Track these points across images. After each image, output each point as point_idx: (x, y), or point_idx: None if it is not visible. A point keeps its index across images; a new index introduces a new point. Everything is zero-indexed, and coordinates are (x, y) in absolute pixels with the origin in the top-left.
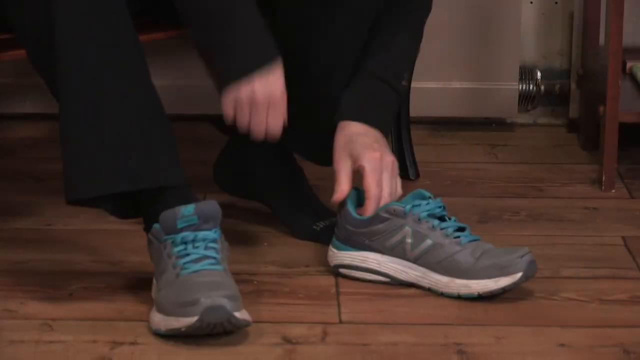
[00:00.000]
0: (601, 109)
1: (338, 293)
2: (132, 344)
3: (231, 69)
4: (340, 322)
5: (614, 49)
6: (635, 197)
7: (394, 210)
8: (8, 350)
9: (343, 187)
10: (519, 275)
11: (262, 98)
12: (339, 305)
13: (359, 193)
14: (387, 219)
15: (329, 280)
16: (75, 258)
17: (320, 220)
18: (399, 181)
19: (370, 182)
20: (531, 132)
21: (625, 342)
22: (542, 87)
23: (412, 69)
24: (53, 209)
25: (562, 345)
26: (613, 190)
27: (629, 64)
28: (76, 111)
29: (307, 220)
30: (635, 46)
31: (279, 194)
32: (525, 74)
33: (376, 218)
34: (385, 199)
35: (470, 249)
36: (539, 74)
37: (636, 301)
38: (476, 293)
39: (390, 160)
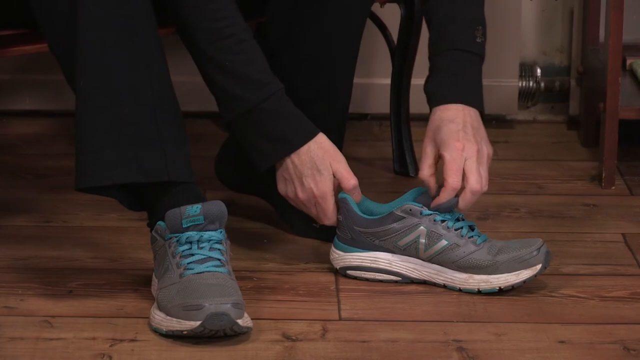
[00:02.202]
0: (601, 105)
1: (338, 290)
2: (132, 340)
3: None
4: (340, 319)
5: (613, 46)
6: (635, 194)
7: (410, 210)
8: (7, 347)
9: (423, 173)
10: (538, 266)
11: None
12: (338, 302)
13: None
14: (402, 218)
15: (329, 277)
16: (74, 255)
17: None
18: (485, 174)
19: (447, 172)
20: (531, 129)
21: (625, 338)
22: (542, 84)
23: (484, 21)
24: (53, 206)
25: (562, 342)
26: (613, 187)
27: (628, 61)
28: (91, 100)
29: (307, 217)
30: (635, 43)
31: None
32: (525, 70)
33: (390, 216)
34: (473, 187)
35: (486, 249)
36: (539, 70)
37: (636, 298)
38: (497, 287)
39: (474, 149)
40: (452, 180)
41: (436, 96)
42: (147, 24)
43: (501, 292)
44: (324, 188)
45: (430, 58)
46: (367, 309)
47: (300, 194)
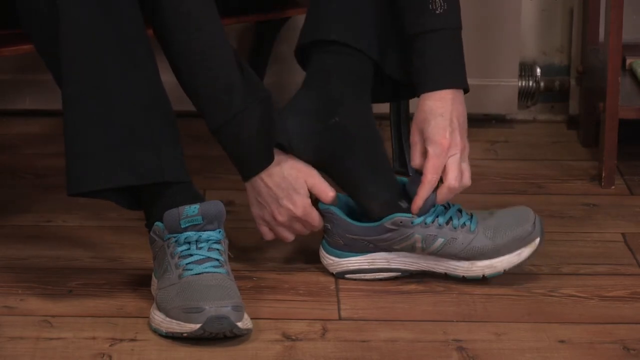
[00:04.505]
0: (601, 105)
1: (338, 289)
2: (132, 340)
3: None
4: (340, 318)
5: (613, 46)
6: (635, 193)
7: (401, 222)
8: (7, 346)
9: (416, 162)
10: (537, 240)
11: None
12: (338, 302)
13: (345, 199)
14: (393, 230)
15: (329, 277)
16: (74, 254)
17: (403, 198)
18: (467, 169)
19: (428, 168)
20: (531, 129)
21: (625, 338)
22: (542, 84)
23: None
24: (52, 205)
25: (561, 341)
26: (613, 187)
27: (628, 60)
28: (81, 103)
29: (393, 193)
30: (634, 42)
31: (357, 152)
32: (525, 70)
33: (380, 228)
34: (451, 183)
35: (482, 233)
36: (538, 70)
37: (636, 297)
38: (502, 270)
39: (459, 146)
40: (431, 176)
41: (421, 84)
42: (135, 25)
43: (502, 292)
44: (303, 205)
45: (406, 39)
46: (367, 308)
47: (279, 217)
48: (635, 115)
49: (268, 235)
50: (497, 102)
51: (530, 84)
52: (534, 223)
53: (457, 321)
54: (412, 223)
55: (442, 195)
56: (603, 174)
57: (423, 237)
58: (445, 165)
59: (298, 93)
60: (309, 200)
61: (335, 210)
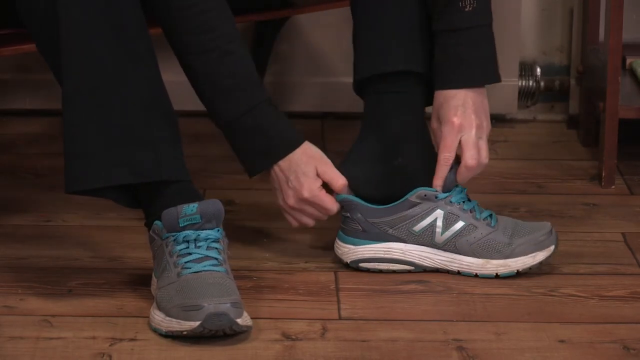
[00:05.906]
0: (601, 105)
1: (337, 289)
2: (132, 339)
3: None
4: (340, 318)
5: (613, 45)
6: (635, 193)
7: (425, 195)
8: (7, 346)
9: (437, 147)
10: (552, 247)
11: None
12: (338, 302)
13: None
14: (417, 204)
15: (329, 276)
16: (74, 254)
17: None
18: (484, 147)
19: (440, 147)
20: (531, 128)
21: (625, 338)
22: (542, 83)
23: None
24: (52, 205)
25: (561, 341)
26: (613, 187)
27: (628, 60)
28: (81, 102)
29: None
30: (635, 42)
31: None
32: (525, 70)
33: (405, 204)
34: (468, 162)
35: (501, 230)
36: (538, 70)
37: (636, 297)
38: (515, 270)
39: (473, 124)
40: (443, 155)
41: (440, 81)
42: (136, 25)
43: (502, 291)
44: (310, 187)
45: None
46: (366, 308)
47: (289, 200)
48: (635, 115)
49: (293, 222)
50: (497, 102)
51: (530, 83)
52: (551, 231)
53: (457, 321)
54: (436, 197)
55: (462, 175)
56: (603, 174)
57: (445, 215)
58: (460, 144)
59: (357, 140)
60: (317, 184)
61: (353, 198)
